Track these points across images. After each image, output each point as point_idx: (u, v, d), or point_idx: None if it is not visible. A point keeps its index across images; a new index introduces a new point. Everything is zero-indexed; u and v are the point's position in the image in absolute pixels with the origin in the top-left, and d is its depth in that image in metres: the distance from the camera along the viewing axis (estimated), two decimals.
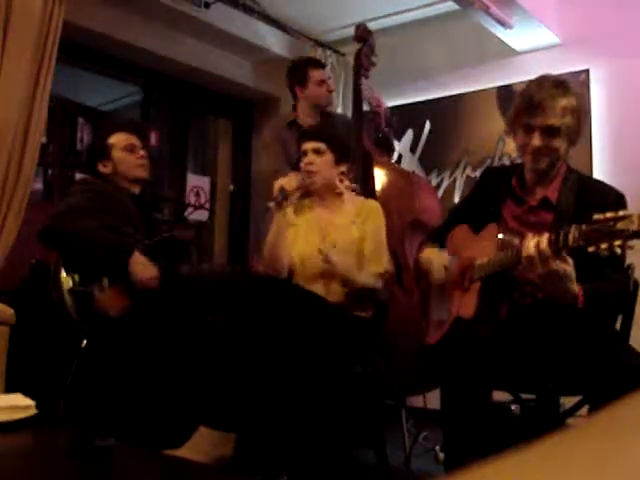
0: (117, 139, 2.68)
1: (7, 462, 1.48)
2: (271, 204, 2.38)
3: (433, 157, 4.31)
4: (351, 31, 3.56)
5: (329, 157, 2.43)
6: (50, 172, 4.01)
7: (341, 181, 2.49)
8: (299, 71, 3.29)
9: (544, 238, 1.66)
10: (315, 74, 3.26)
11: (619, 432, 0.34)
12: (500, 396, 2.22)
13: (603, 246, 1.51)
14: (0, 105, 2.96)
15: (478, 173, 3.99)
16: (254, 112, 5.09)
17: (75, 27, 3.53)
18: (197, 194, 4.65)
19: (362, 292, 2.38)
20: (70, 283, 2.43)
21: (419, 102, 4.37)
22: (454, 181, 4.20)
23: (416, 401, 3.45)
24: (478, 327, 1.85)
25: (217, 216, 4.98)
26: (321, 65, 3.45)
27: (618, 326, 2.02)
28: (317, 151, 2.42)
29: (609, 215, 1.51)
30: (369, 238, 2.41)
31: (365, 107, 3.36)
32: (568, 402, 2.06)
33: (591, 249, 1.54)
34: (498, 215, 2.04)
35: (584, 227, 1.56)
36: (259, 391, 2.05)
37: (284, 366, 2.05)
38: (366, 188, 3.14)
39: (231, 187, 5.09)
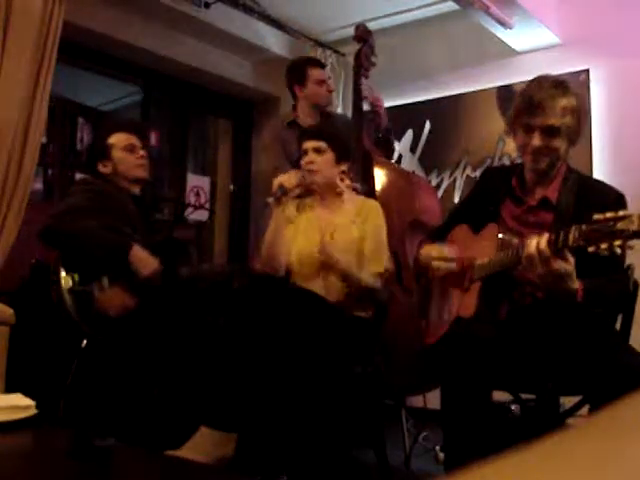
0: (117, 139, 2.68)
1: (7, 462, 1.48)
2: (270, 200, 2.37)
3: (433, 157, 4.31)
4: (351, 31, 3.56)
5: (330, 156, 2.43)
6: (50, 172, 4.01)
7: (342, 180, 2.49)
8: (298, 70, 3.29)
9: (544, 238, 1.66)
10: (314, 73, 3.26)
11: (619, 432, 0.34)
12: (500, 396, 2.22)
13: (603, 246, 1.51)
14: (0, 105, 2.96)
15: (478, 173, 3.99)
16: (254, 112, 5.09)
17: (75, 27, 3.53)
18: (197, 194, 4.65)
19: (362, 290, 2.38)
20: (70, 283, 2.43)
21: (419, 102, 4.37)
22: (454, 181, 4.20)
23: (416, 401, 3.45)
24: (478, 327, 1.85)
25: (217, 216, 4.98)
26: (320, 64, 3.45)
27: (618, 326, 2.02)
28: (318, 150, 2.43)
29: (609, 215, 1.51)
30: (369, 238, 2.41)
31: (365, 107, 3.36)
32: (568, 402, 2.06)
33: (591, 249, 1.54)
34: (498, 215, 2.04)
35: (584, 227, 1.56)
36: (259, 391, 2.05)
37: (284, 366, 2.05)
38: (366, 188, 3.14)
39: (231, 187, 5.09)
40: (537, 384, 1.99)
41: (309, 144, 2.44)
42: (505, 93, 3.97)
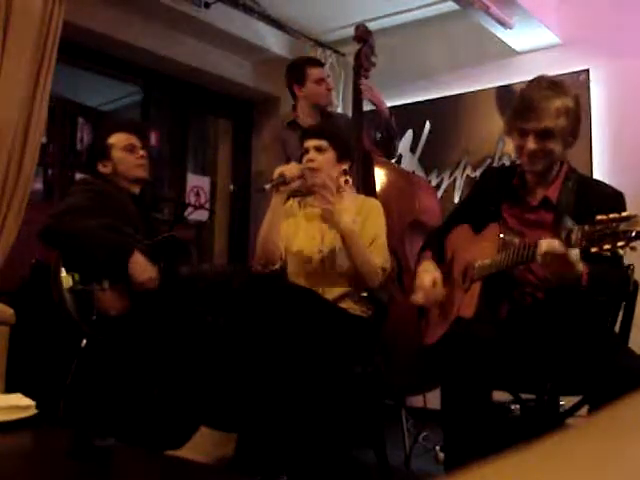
0: (117, 139, 2.68)
1: (7, 462, 1.48)
2: (267, 185, 2.33)
3: (433, 157, 4.31)
4: (351, 31, 3.56)
5: (331, 155, 2.43)
6: (50, 172, 4.01)
7: (346, 182, 2.48)
8: (297, 70, 3.29)
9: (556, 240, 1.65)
10: (313, 72, 3.26)
11: (619, 432, 0.34)
12: (500, 396, 2.22)
13: (606, 247, 1.51)
14: (0, 105, 2.96)
15: (478, 173, 3.99)
16: (254, 112, 5.09)
17: (75, 27, 3.53)
18: (197, 194, 4.65)
19: (361, 280, 2.36)
20: (70, 282, 2.43)
21: (419, 102, 4.37)
22: (454, 181, 4.20)
23: (416, 401, 3.45)
24: (478, 327, 1.85)
25: (217, 216, 4.98)
26: (319, 63, 3.44)
27: (617, 329, 2.02)
28: (319, 149, 2.43)
29: (612, 216, 1.51)
30: (368, 235, 2.41)
31: (365, 107, 3.36)
32: (568, 402, 2.06)
33: (594, 250, 1.54)
34: (498, 215, 2.04)
35: (587, 228, 1.56)
36: (259, 391, 2.05)
37: (284, 366, 2.05)
38: (366, 188, 3.14)
39: (231, 187, 5.09)
40: (537, 384, 1.99)
41: (310, 143, 2.44)
42: (504, 93, 3.98)
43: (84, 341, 2.43)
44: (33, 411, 1.73)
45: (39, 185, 3.92)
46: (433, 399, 2.76)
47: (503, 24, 3.63)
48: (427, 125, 4.33)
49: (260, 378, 2.05)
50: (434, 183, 4.21)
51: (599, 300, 1.80)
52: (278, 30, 4.43)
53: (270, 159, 3.23)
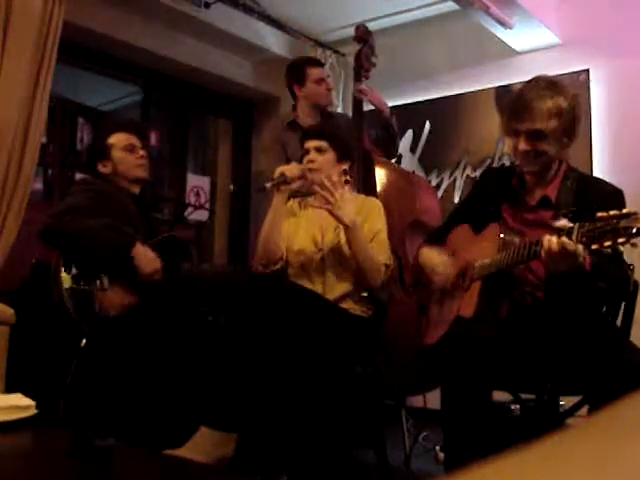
0: (117, 139, 2.68)
1: (7, 462, 1.48)
2: (268, 184, 2.33)
3: (433, 157, 4.31)
4: (351, 31, 3.56)
5: (331, 155, 2.44)
6: (50, 172, 4.01)
7: (346, 182, 2.48)
8: (297, 69, 3.29)
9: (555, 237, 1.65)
10: (313, 72, 3.26)
11: (619, 432, 0.34)
12: (500, 396, 2.22)
13: (606, 243, 1.51)
14: (0, 105, 2.96)
15: (478, 173, 3.99)
16: (254, 112, 5.09)
17: (75, 27, 3.53)
18: (197, 194, 4.65)
19: (363, 279, 2.36)
20: (70, 282, 2.43)
21: (419, 102, 4.37)
22: (454, 181, 4.20)
23: (416, 401, 3.45)
24: (478, 327, 1.85)
25: (217, 216, 4.98)
26: (319, 63, 3.44)
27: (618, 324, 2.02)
28: (319, 149, 2.43)
29: (612, 213, 1.51)
30: (369, 233, 2.41)
31: (366, 107, 3.35)
32: (568, 402, 2.06)
33: (595, 246, 1.54)
34: (498, 215, 2.04)
35: (588, 225, 1.56)
36: (260, 391, 2.05)
37: (284, 366, 2.05)
38: (367, 188, 3.13)
39: (231, 187, 5.09)
40: (537, 384, 1.99)
41: (310, 144, 2.44)
42: (504, 93, 3.97)
43: (84, 341, 2.43)
44: (33, 411, 1.73)
45: (39, 185, 3.92)
46: (433, 399, 2.76)
47: (503, 24, 3.63)
48: (427, 125, 4.33)
49: (260, 378, 2.05)
50: (434, 183, 4.21)
51: (599, 287, 1.79)
52: (278, 30, 4.43)
53: (270, 159, 3.23)
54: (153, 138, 4.52)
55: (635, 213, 1.49)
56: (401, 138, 4.26)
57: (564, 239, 1.61)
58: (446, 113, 4.27)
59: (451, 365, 1.79)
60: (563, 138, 1.92)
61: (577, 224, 1.59)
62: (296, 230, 2.48)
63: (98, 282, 2.46)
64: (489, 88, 4.10)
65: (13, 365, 2.64)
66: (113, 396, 2.50)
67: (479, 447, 1.73)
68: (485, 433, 1.76)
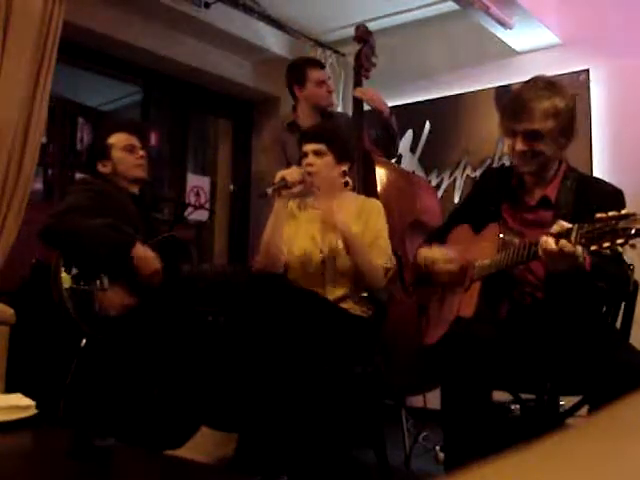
0: (117, 139, 2.68)
1: (7, 462, 1.48)
2: (269, 190, 2.34)
3: (433, 157, 4.31)
4: (351, 31, 3.56)
5: (329, 158, 2.43)
6: (50, 172, 4.01)
7: (346, 184, 2.48)
8: (298, 71, 3.28)
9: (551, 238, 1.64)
10: (314, 74, 3.25)
11: (619, 432, 0.34)
12: (500, 396, 2.22)
13: (605, 244, 1.51)
14: (0, 105, 2.96)
15: (478, 173, 3.99)
16: (254, 112, 5.09)
17: (75, 27, 3.53)
18: (197, 194, 4.65)
19: (364, 279, 2.36)
20: (70, 282, 2.43)
21: (419, 102, 4.37)
22: (454, 181, 4.20)
23: (416, 401, 3.45)
24: (478, 327, 1.85)
25: (217, 216, 4.98)
26: (320, 65, 3.43)
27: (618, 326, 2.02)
28: (317, 152, 2.43)
29: (611, 214, 1.51)
30: (370, 235, 2.41)
31: (366, 107, 3.35)
32: (568, 402, 2.06)
33: (594, 247, 1.54)
34: (498, 215, 2.04)
35: (587, 226, 1.56)
36: (260, 391, 2.05)
37: (284, 366, 2.05)
38: (367, 188, 3.13)
39: (231, 187, 5.09)
40: (537, 384, 1.99)
41: (309, 147, 2.44)
42: (504, 93, 3.97)
43: (84, 341, 2.43)
44: (33, 411, 1.73)
45: (39, 185, 3.92)
46: (433, 399, 2.76)
47: (503, 24, 3.63)
48: (427, 125, 4.33)
49: (261, 378, 2.05)
50: (434, 183, 4.21)
51: (599, 287, 1.78)
52: (278, 30, 4.43)
53: (270, 161, 3.23)
54: (153, 138, 4.52)
55: (634, 214, 1.49)
56: (401, 138, 4.26)
57: (562, 241, 1.61)
58: (446, 113, 4.27)
59: (451, 365, 1.79)
60: (560, 138, 1.92)
61: (576, 225, 1.59)
62: (296, 232, 2.48)
63: (98, 282, 2.46)
64: (489, 88, 4.10)
65: (13, 365, 2.64)
66: (113, 396, 2.50)
67: (479, 447, 1.73)
68: (485, 433, 1.76)
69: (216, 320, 2.70)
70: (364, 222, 2.43)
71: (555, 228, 1.65)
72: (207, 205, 4.68)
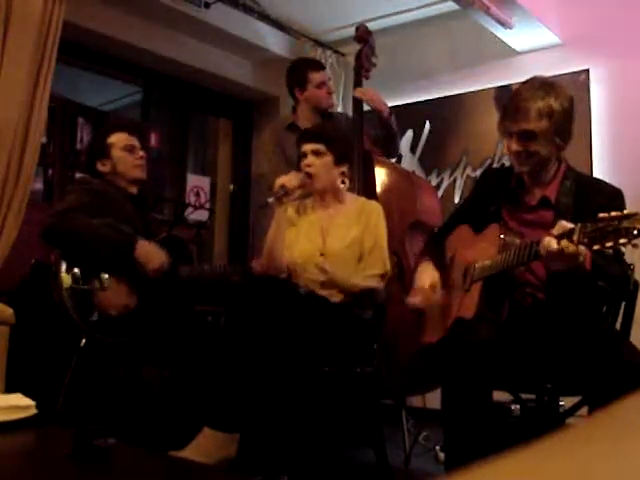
0: (117, 138, 2.68)
1: (7, 462, 1.48)
2: (270, 199, 2.36)
3: (433, 157, 4.31)
4: (351, 31, 3.56)
5: (328, 158, 2.43)
6: (50, 172, 4.01)
7: (343, 182, 2.48)
8: (298, 73, 3.28)
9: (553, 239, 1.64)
10: (315, 77, 3.25)
11: (619, 432, 0.34)
12: (500, 396, 2.22)
13: (608, 244, 1.51)
14: (0, 105, 2.96)
15: (478, 173, 3.99)
16: (254, 112, 5.09)
17: (75, 27, 3.53)
18: (197, 194, 4.65)
19: (362, 293, 2.38)
20: (70, 282, 2.43)
21: (419, 102, 4.37)
22: (454, 181, 4.20)
23: (416, 401, 3.45)
24: (479, 327, 1.85)
25: (217, 216, 4.97)
26: (321, 67, 3.43)
27: (618, 328, 2.02)
28: (316, 152, 2.43)
29: (614, 214, 1.51)
30: (370, 239, 2.41)
31: (366, 107, 3.35)
32: (568, 402, 2.06)
33: (596, 247, 1.54)
34: (498, 215, 2.04)
35: (589, 226, 1.56)
36: (261, 392, 2.05)
37: (285, 367, 2.05)
38: (367, 189, 3.13)
39: (231, 187, 5.09)
40: (537, 384, 1.99)
41: (308, 147, 2.44)
42: (504, 93, 3.97)
43: (83, 341, 2.43)
44: (33, 411, 1.73)
45: (39, 185, 3.91)
46: (433, 399, 2.76)
47: (503, 24, 3.63)
48: (427, 125, 4.33)
49: (261, 379, 2.05)
50: (434, 183, 4.20)
51: (600, 287, 1.78)
52: (278, 30, 4.43)
53: (270, 163, 3.23)
54: (153, 139, 4.52)
55: (636, 214, 1.49)
56: (401, 138, 4.26)
57: (564, 242, 1.61)
58: (446, 113, 4.27)
59: (452, 365, 1.79)
60: (555, 138, 1.91)
61: (578, 225, 1.59)
62: (296, 238, 2.48)
63: (98, 282, 2.46)
64: (489, 88, 4.10)
65: (13, 365, 2.64)
66: (113, 396, 2.50)
67: (479, 447, 1.73)
68: (485, 433, 1.76)
69: (216, 321, 2.70)
70: (364, 224, 2.43)
71: (557, 229, 1.65)
72: (207, 205, 4.68)
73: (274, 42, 4.55)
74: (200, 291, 2.79)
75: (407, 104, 4.34)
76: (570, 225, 1.63)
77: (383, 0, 4.13)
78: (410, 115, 4.29)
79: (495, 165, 3.97)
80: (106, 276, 2.48)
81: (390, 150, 3.41)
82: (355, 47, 3.46)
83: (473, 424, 1.76)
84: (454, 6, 3.73)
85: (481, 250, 1.99)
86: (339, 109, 4.37)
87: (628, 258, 1.88)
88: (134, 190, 2.71)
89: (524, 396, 2.17)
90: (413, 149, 4.37)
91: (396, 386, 2.90)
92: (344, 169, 2.48)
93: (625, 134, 3.65)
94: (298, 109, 3.29)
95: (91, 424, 1.48)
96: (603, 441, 0.33)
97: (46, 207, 3.57)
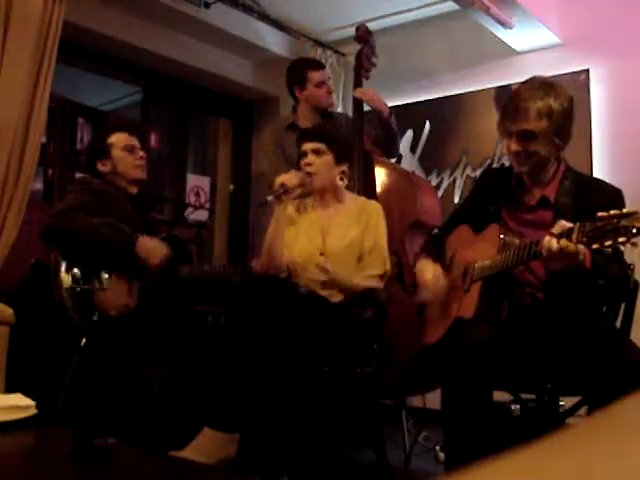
0: (117, 138, 2.68)
1: (7, 462, 1.48)
2: (270, 197, 2.36)
3: (433, 157, 4.31)
4: (351, 31, 3.56)
5: (329, 158, 2.43)
6: (50, 172, 4.01)
7: (341, 179, 2.48)
8: (298, 72, 3.28)
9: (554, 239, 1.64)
10: (315, 76, 3.25)
11: (619, 432, 0.34)
12: (500, 396, 2.22)
13: (607, 243, 1.51)
14: (0, 105, 2.96)
15: (478, 173, 3.99)
16: (254, 112, 5.09)
17: (75, 27, 3.53)
18: (197, 194, 4.65)
19: (362, 293, 2.38)
20: (70, 282, 2.43)
21: (419, 102, 4.37)
22: (454, 181, 4.20)
23: (416, 401, 3.45)
24: (478, 327, 1.85)
25: (217, 216, 4.97)
26: (321, 66, 3.43)
27: (618, 325, 2.02)
28: (317, 152, 2.43)
29: (613, 212, 1.51)
30: (370, 239, 2.41)
31: (366, 107, 3.35)
32: (568, 402, 2.06)
33: (595, 246, 1.54)
34: (498, 215, 2.04)
35: (588, 225, 1.56)
36: (261, 391, 2.05)
37: (285, 367, 2.05)
38: (367, 189, 3.13)
39: (231, 187, 5.09)
40: (537, 384, 1.99)
41: (308, 146, 2.44)
42: (504, 93, 3.97)
43: (83, 341, 2.43)
44: (33, 411, 1.73)
45: (39, 185, 3.91)
46: (433, 399, 2.76)
47: (503, 24, 3.63)
48: (427, 125, 4.33)
49: (261, 379, 2.05)
50: (434, 183, 4.20)
51: (600, 286, 1.78)
52: (278, 30, 4.43)
53: (270, 163, 3.23)
54: (153, 139, 4.52)
55: (636, 212, 1.49)
56: (401, 138, 4.26)
57: (563, 241, 1.61)
58: (446, 113, 4.27)
59: (452, 365, 1.79)
60: (554, 139, 1.91)
61: (577, 224, 1.59)
62: (296, 237, 2.48)
63: (98, 282, 2.46)
64: (489, 88, 4.10)
65: (13, 365, 2.64)
66: (113, 396, 2.50)
67: (479, 447, 1.73)
68: (485, 433, 1.76)
69: (216, 321, 2.70)
70: (364, 223, 2.43)
71: (557, 228, 1.65)
72: (207, 205, 4.68)
73: (274, 42, 4.55)
74: (200, 291, 2.79)
75: (407, 104, 4.34)
76: (569, 224, 1.63)
77: (383, 0, 4.13)
78: (410, 115, 4.29)
79: (495, 165, 3.97)
80: (106, 276, 2.48)
81: (390, 150, 3.41)
82: (355, 47, 3.46)
83: (473, 424, 1.76)
84: (454, 6, 3.73)
85: (481, 250, 1.99)
86: (339, 109, 4.37)
87: (628, 258, 1.88)
88: (134, 190, 2.71)
89: (524, 396, 2.17)
90: (413, 149, 4.37)
91: (396, 386, 2.90)
92: (344, 168, 2.48)
93: (625, 134, 3.65)
94: (298, 109, 3.30)
95: (91, 424, 1.48)
96: (603, 441, 0.33)
97: (46, 207, 3.57)
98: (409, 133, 4.37)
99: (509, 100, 1.96)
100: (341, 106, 4.47)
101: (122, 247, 2.47)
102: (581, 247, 1.59)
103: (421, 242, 2.42)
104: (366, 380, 2.39)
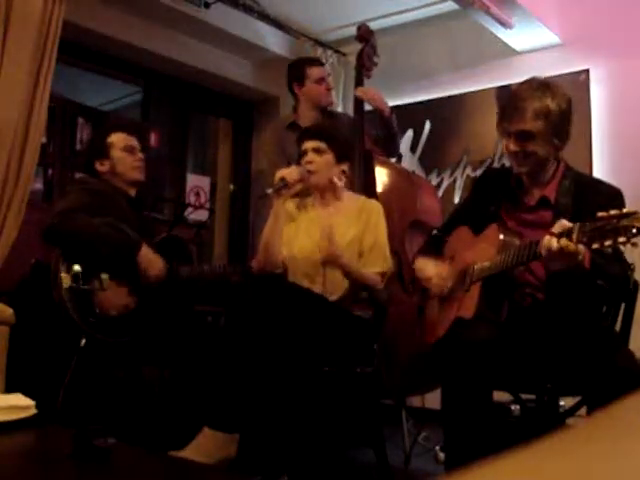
0: (117, 138, 2.68)
1: (7, 462, 1.48)
2: (269, 191, 2.35)
3: (433, 157, 4.31)
4: (352, 31, 3.56)
5: (329, 156, 2.43)
6: (50, 172, 4.01)
7: (340, 179, 2.48)
8: (297, 69, 3.29)
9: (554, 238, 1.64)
10: (313, 72, 3.26)
11: (619, 432, 0.34)
12: (500, 396, 2.22)
13: (607, 243, 1.51)
14: (0, 105, 2.96)
15: (478, 173, 3.99)
16: (254, 112, 5.09)
17: (75, 27, 3.53)
18: (197, 194, 4.65)
19: (362, 285, 2.37)
20: (70, 282, 2.43)
21: (419, 102, 4.37)
22: (454, 181, 4.20)
23: (416, 401, 3.45)
24: (478, 327, 1.85)
25: (217, 216, 4.97)
26: (319, 63, 3.44)
27: (617, 328, 2.02)
28: (317, 150, 2.42)
29: (613, 212, 1.51)
30: (370, 238, 2.41)
31: (367, 106, 3.35)
32: (568, 402, 2.06)
33: (595, 246, 1.54)
34: (498, 216, 2.04)
35: (588, 225, 1.56)
36: (261, 391, 2.05)
37: (285, 366, 2.05)
38: (367, 188, 3.13)
39: (231, 187, 5.09)
40: (537, 384, 1.99)
41: (308, 144, 2.44)
42: (504, 93, 3.96)
43: (83, 341, 2.42)
44: (33, 411, 1.73)
45: (39, 185, 3.91)
46: (433, 399, 2.76)
47: (503, 24, 3.63)
48: (427, 125, 4.33)
49: (261, 379, 2.05)
50: (434, 183, 4.20)
51: (599, 286, 1.78)
52: (278, 30, 4.43)
53: (270, 162, 3.23)
54: (153, 139, 4.52)
55: (635, 212, 1.49)
56: (401, 138, 4.26)
57: (563, 240, 1.61)
58: (446, 113, 4.27)
59: (452, 365, 1.79)
60: (553, 139, 1.91)
61: (577, 224, 1.59)
62: (296, 234, 2.48)
63: (98, 282, 2.46)
64: (489, 88, 4.10)
65: (13, 365, 2.64)
66: (113, 396, 2.50)
67: (479, 447, 1.73)
68: (485, 433, 1.76)
69: (216, 321, 2.70)
70: (364, 222, 2.43)
71: (557, 228, 1.65)
72: (207, 205, 4.68)
73: (274, 42, 4.55)
74: (200, 291, 2.79)
75: (407, 104, 4.34)
76: (570, 224, 1.63)
77: (383, 0, 4.13)
78: (410, 115, 4.29)
79: (495, 165, 3.97)
80: (106, 276, 2.48)
81: (390, 150, 3.41)
82: (355, 46, 3.46)
83: (473, 424, 1.76)
84: (454, 6, 3.73)
85: (480, 251, 1.99)
86: (339, 108, 4.37)
87: (628, 258, 1.88)
88: (132, 192, 2.71)
89: (524, 396, 2.17)
90: (413, 149, 4.37)
91: (396, 386, 2.90)
92: (345, 167, 2.48)
93: (625, 134, 3.65)
94: (299, 108, 3.30)
95: (91, 424, 1.48)
96: (603, 441, 0.33)
97: (46, 207, 3.57)
98: (409, 133, 4.37)
99: (507, 100, 1.96)
100: (342, 106, 4.47)
101: (125, 249, 2.47)
102: (581, 247, 1.59)
103: (421, 242, 2.42)
104: (366, 380, 2.39)
